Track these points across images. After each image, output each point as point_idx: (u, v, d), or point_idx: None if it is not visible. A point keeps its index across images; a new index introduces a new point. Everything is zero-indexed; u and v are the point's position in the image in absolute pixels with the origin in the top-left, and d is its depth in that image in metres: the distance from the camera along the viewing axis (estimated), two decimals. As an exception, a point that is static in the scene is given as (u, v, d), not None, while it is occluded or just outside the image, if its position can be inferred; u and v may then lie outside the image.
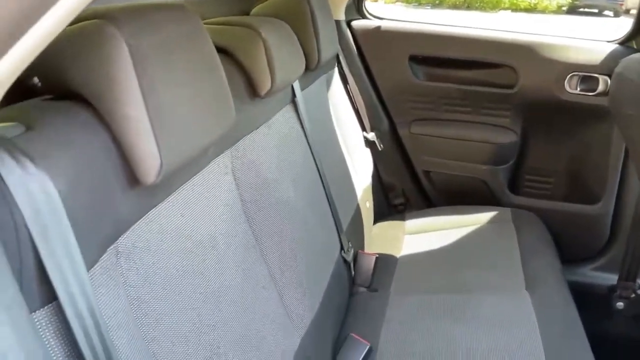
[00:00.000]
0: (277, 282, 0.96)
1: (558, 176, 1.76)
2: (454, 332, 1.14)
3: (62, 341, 0.49)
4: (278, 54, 1.05)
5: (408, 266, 1.46)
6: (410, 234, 1.65)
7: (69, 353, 0.50)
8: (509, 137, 1.71)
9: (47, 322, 0.48)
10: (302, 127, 1.28)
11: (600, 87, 1.53)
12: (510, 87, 1.64)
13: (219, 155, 0.89)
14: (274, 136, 1.12)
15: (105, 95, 0.58)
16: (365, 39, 1.76)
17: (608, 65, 1.48)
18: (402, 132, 1.83)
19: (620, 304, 1.58)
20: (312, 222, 1.19)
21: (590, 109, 1.57)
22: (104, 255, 0.58)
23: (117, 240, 0.61)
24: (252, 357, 0.81)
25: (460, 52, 1.68)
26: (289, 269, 1.01)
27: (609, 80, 1.50)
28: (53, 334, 0.49)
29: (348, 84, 1.75)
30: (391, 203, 1.95)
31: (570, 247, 1.66)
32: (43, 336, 0.48)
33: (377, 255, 1.47)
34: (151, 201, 0.69)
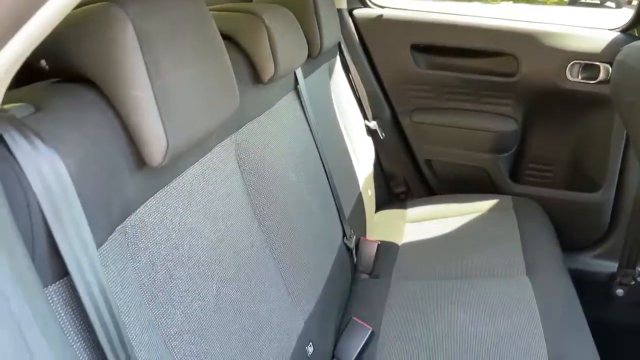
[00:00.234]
0: (280, 266, 0.97)
1: (559, 164, 1.77)
2: (455, 317, 1.16)
3: (73, 315, 0.50)
4: (281, 40, 1.05)
5: (409, 253, 1.47)
6: (412, 222, 1.66)
7: (80, 326, 0.51)
8: (510, 126, 1.72)
9: (59, 296, 0.50)
10: (305, 114, 1.29)
11: (602, 75, 1.53)
12: (512, 75, 1.64)
13: (223, 139, 0.89)
14: (277, 122, 1.12)
15: (112, 76, 0.59)
16: (367, 28, 1.76)
17: (609, 53, 1.48)
18: (404, 120, 1.83)
19: (620, 291, 1.59)
20: (314, 208, 1.20)
21: (591, 97, 1.57)
22: (113, 234, 0.59)
23: (125, 220, 0.62)
24: (256, 339, 0.83)
25: (461, 41, 1.68)
26: (293, 254, 1.02)
27: (610, 68, 1.49)
28: (64, 308, 0.50)
29: (350, 72, 1.75)
30: (393, 191, 1.96)
31: (571, 234, 1.67)
32: (55, 310, 0.49)
33: (379, 243, 1.48)
34: (158, 183, 0.70)
